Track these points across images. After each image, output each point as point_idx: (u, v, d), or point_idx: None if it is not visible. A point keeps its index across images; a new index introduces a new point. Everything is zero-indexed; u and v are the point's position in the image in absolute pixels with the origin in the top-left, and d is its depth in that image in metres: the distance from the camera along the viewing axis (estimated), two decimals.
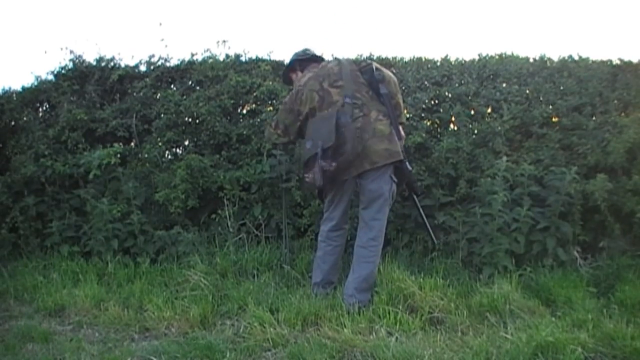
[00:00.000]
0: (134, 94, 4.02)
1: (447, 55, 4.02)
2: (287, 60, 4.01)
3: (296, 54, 3.05)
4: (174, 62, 4.10)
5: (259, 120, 3.76)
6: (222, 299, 2.82)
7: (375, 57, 4.05)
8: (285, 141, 3.00)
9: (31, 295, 3.02)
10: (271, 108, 3.79)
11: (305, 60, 3.00)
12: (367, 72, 2.79)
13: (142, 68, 4.12)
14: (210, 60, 4.05)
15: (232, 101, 3.78)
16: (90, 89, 4.02)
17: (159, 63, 4.09)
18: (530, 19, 8.31)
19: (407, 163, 2.78)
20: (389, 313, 2.49)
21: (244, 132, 3.71)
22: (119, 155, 3.61)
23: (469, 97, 3.70)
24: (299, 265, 3.20)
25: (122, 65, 4.12)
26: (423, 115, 3.71)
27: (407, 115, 3.70)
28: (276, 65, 4.05)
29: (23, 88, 4.13)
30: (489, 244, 3.05)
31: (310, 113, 2.75)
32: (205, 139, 3.77)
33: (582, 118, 3.56)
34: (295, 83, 2.97)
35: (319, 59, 3.03)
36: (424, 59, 4.03)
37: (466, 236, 3.19)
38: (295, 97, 2.81)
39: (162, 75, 4.08)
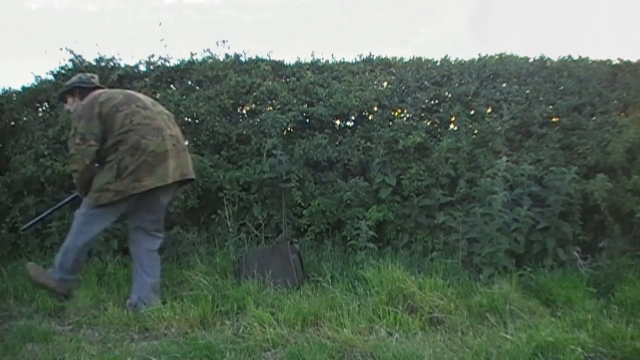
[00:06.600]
0: None
1: (447, 56, 4.02)
2: (287, 61, 4.07)
3: (80, 80, 2.97)
4: (174, 62, 4.10)
5: (259, 120, 3.76)
6: (222, 299, 2.81)
7: (375, 58, 4.06)
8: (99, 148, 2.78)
9: (31, 296, 3.01)
10: (271, 108, 3.79)
11: (88, 88, 2.92)
12: None
13: (142, 68, 4.12)
14: (210, 60, 4.04)
15: (232, 101, 3.78)
16: None
17: (159, 63, 4.09)
18: (530, 19, 8.33)
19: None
20: (389, 313, 2.49)
21: (244, 133, 3.72)
22: None
23: (469, 98, 3.70)
24: None
25: (122, 65, 4.11)
26: (423, 115, 3.71)
27: (407, 115, 3.72)
28: (276, 65, 4.05)
29: (23, 88, 4.13)
30: (489, 245, 3.05)
31: (113, 110, 2.71)
32: (205, 139, 3.77)
33: (582, 118, 3.56)
34: (74, 105, 2.91)
35: (101, 88, 2.96)
36: (424, 59, 4.02)
37: (466, 236, 3.19)
38: (92, 103, 2.73)
39: (162, 76, 4.07)
